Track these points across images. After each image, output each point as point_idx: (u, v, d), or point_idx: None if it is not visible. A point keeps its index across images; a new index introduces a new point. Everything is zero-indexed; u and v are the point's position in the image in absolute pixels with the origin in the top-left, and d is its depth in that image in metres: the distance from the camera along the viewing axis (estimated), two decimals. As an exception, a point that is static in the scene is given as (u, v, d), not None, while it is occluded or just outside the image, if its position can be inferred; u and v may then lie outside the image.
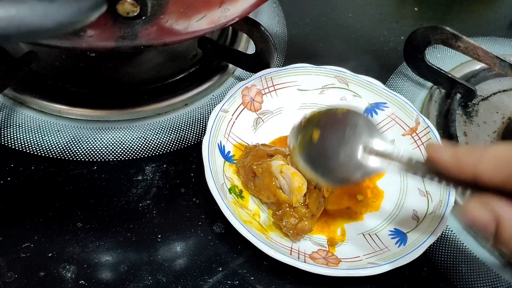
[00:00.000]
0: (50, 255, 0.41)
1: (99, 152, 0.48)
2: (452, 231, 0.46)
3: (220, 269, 0.42)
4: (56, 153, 0.47)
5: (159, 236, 0.43)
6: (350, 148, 0.38)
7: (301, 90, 0.53)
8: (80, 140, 0.48)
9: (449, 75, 0.56)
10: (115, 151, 0.48)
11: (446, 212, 0.43)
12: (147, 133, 0.50)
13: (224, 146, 0.47)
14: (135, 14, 0.34)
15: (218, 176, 0.44)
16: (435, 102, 0.57)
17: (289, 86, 0.53)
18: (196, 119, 0.52)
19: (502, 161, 0.28)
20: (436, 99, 0.57)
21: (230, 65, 0.56)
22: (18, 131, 0.48)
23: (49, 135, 0.48)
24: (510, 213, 0.27)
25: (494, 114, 0.58)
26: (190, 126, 0.51)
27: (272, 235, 0.43)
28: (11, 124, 0.49)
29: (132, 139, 0.49)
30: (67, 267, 0.40)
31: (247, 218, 0.43)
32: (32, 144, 0.47)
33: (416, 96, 0.58)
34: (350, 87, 0.53)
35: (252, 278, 0.42)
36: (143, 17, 0.35)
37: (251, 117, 0.51)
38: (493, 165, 0.28)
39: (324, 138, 0.40)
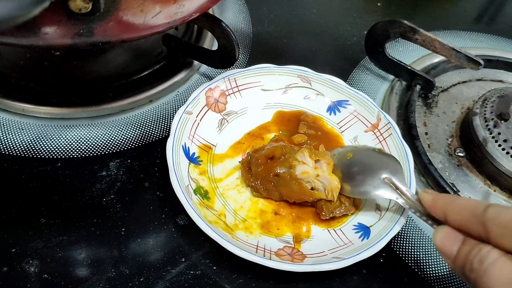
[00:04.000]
0: (13, 250, 0.41)
1: (63, 149, 0.48)
2: (411, 219, 0.48)
3: (183, 260, 0.42)
4: (20, 151, 0.47)
5: (123, 229, 0.44)
6: (373, 171, 0.45)
7: (265, 90, 0.54)
8: (44, 137, 0.49)
9: (409, 67, 0.58)
10: (79, 148, 0.48)
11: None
12: (112, 129, 0.51)
13: (188, 148, 0.48)
14: (88, 10, 0.35)
15: (183, 178, 0.44)
16: (395, 94, 0.58)
17: (253, 86, 0.54)
18: (161, 115, 0.53)
19: (462, 208, 0.36)
20: (397, 91, 0.58)
21: (195, 62, 0.57)
22: (-18, 130, 0.49)
23: (12, 134, 0.49)
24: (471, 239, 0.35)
25: (453, 105, 0.59)
26: (155, 122, 0.52)
27: (238, 234, 0.43)
28: (-25, 123, 0.49)
29: (96, 135, 0.50)
30: (31, 261, 0.40)
31: (212, 218, 0.43)
32: (-4, 142, 0.48)
33: (378, 88, 0.60)
34: (313, 86, 0.54)
35: (214, 268, 0.42)
36: (97, 14, 0.36)
37: (216, 118, 0.51)
38: (456, 210, 0.37)
39: (356, 157, 0.47)
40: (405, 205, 0.42)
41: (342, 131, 0.53)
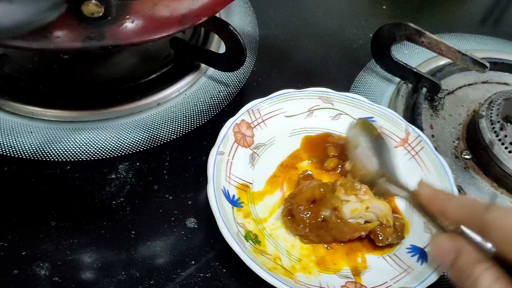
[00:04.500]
0: (24, 253, 0.41)
1: (73, 152, 0.48)
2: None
3: (193, 263, 0.43)
4: (29, 154, 0.48)
5: (133, 232, 0.44)
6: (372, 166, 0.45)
7: (288, 117, 0.52)
8: (53, 141, 0.49)
9: (415, 70, 0.58)
10: (88, 151, 0.49)
11: None
12: (121, 132, 0.51)
13: (228, 190, 0.45)
14: (100, 14, 0.35)
15: (232, 226, 0.42)
16: (402, 97, 0.58)
17: (276, 114, 0.52)
18: (169, 118, 0.53)
19: (461, 205, 0.36)
20: (403, 94, 0.59)
21: (203, 65, 0.57)
22: (-9, 133, 0.49)
23: (22, 137, 0.49)
24: (468, 249, 0.34)
25: (459, 107, 0.60)
26: (163, 125, 0.52)
27: (298, 276, 0.42)
28: (-16, 126, 0.49)
29: (105, 138, 0.50)
30: (41, 264, 0.41)
31: (270, 264, 0.41)
32: (5, 145, 0.48)
33: (384, 91, 0.60)
34: (335, 105, 0.53)
35: (224, 270, 0.43)
36: (109, 18, 0.36)
37: (247, 154, 0.49)
38: (455, 206, 0.36)
39: (360, 149, 0.47)
40: (406, 199, 0.41)
41: None
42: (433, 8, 0.76)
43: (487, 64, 0.54)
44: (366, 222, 0.43)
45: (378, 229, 0.43)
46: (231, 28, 0.50)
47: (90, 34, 0.38)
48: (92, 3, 0.34)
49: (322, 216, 0.43)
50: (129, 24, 0.38)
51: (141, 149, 0.50)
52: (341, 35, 0.67)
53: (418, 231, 0.45)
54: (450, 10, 0.76)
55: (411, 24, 0.55)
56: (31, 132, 0.49)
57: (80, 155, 0.48)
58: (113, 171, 0.48)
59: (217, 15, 0.63)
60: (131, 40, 0.41)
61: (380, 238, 0.43)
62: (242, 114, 0.50)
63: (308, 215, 0.43)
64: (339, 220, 0.42)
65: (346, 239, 0.43)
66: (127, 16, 0.37)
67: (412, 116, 0.55)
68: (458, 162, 0.54)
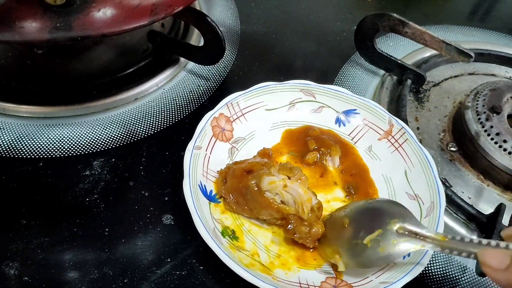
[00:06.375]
0: (-8, 253, 0.40)
1: (46, 148, 0.47)
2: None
3: (169, 260, 0.41)
4: (0, 151, 0.46)
5: (107, 229, 0.42)
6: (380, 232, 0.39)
7: (269, 110, 0.51)
8: (26, 137, 0.48)
9: (399, 62, 0.57)
10: (62, 147, 0.47)
11: (440, 214, 0.42)
12: (96, 128, 0.49)
13: (205, 185, 0.44)
14: (63, 1, 0.34)
15: (208, 221, 0.41)
16: (386, 89, 0.57)
17: (257, 107, 0.50)
18: (147, 114, 0.52)
19: None
20: (388, 86, 0.57)
21: (182, 59, 0.56)
22: (-38, 130, 0.47)
23: (-7, 133, 0.47)
24: None
25: (445, 99, 0.58)
26: (141, 120, 0.51)
27: (277, 273, 0.40)
28: (-45, 124, 0.48)
29: (80, 134, 0.49)
30: (11, 264, 0.39)
31: (247, 260, 0.40)
32: (-24, 143, 0.47)
33: (369, 83, 0.59)
34: (317, 98, 0.51)
35: (201, 267, 0.41)
36: (74, 6, 0.35)
37: (225, 148, 0.48)
38: None
39: (353, 222, 0.41)
40: (435, 249, 0.38)
41: (355, 142, 0.50)
42: (420, 1, 0.75)
43: (472, 54, 0.53)
44: (282, 203, 0.42)
45: (293, 219, 0.41)
46: (209, 20, 0.49)
47: (57, 24, 0.36)
48: (54, -10, 0.33)
49: (247, 183, 0.42)
50: (97, 13, 0.37)
51: (117, 145, 0.48)
52: (324, 28, 0.65)
53: None
54: (437, 3, 0.75)
55: (395, 15, 0.54)
56: (3, 128, 0.48)
57: (54, 152, 0.47)
58: (87, 168, 0.46)
59: (198, 7, 0.61)
60: (101, 30, 0.39)
61: (289, 227, 0.41)
62: (221, 107, 0.48)
63: (235, 180, 0.43)
64: (256, 189, 0.41)
65: (261, 216, 0.42)
66: (93, 4, 0.36)
67: (396, 108, 0.54)
68: (444, 154, 0.53)
